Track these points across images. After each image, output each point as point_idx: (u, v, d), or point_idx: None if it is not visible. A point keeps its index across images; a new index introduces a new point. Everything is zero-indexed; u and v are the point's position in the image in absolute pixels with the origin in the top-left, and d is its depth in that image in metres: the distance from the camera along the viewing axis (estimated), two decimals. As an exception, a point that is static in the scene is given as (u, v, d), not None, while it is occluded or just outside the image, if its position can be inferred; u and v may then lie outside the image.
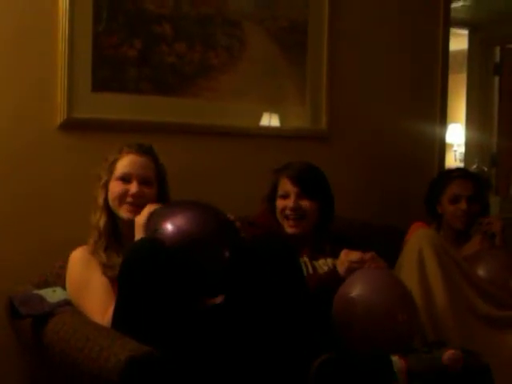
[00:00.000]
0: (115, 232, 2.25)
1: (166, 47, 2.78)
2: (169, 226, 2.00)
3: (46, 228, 2.52)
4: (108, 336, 1.87)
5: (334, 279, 2.31)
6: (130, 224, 2.16)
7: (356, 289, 2.17)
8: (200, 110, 2.88)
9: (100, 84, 2.64)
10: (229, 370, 1.92)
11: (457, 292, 2.44)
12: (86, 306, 2.13)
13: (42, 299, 2.15)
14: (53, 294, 2.19)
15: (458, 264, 2.53)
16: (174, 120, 2.81)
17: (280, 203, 2.60)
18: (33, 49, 2.51)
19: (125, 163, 2.27)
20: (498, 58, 5.18)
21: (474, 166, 4.96)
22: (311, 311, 2.07)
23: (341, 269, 2.34)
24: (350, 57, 3.31)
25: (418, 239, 2.55)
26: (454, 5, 4.03)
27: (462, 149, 6.38)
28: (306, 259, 2.52)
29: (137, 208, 2.18)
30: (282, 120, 3.13)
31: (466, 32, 5.21)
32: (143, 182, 2.26)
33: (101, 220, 2.24)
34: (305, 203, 2.56)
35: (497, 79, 5.17)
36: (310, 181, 2.60)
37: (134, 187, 2.23)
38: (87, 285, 2.16)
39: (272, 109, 3.10)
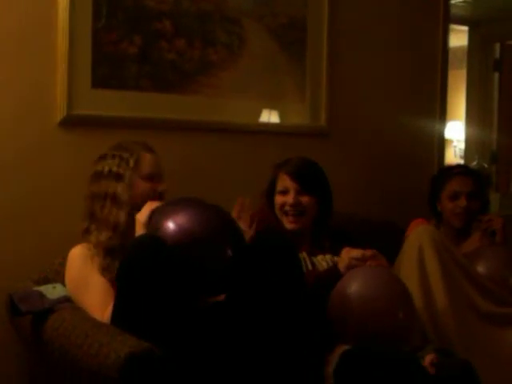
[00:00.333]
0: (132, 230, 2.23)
1: (166, 44, 2.78)
2: (170, 224, 1.99)
3: (46, 225, 2.52)
4: (107, 332, 1.87)
5: (334, 276, 2.31)
6: None
7: (353, 285, 2.17)
8: (200, 106, 2.88)
9: (100, 81, 2.64)
10: (229, 368, 1.91)
11: (457, 289, 2.44)
12: (85, 303, 2.13)
13: (41, 296, 2.15)
14: (53, 291, 2.18)
15: (458, 261, 2.52)
16: (173, 117, 2.81)
17: (279, 199, 2.60)
18: (33, 45, 2.50)
19: (151, 162, 2.29)
20: (497, 55, 5.17)
21: (474, 163, 4.96)
22: (310, 308, 2.07)
23: (341, 266, 2.35)
24: (349, 53, 3.31)
25: (418, 236, 2.55)
26: (453, 1, 4.03)
27: (462, 145, 6.37)
28: (305, 255, 2.52)
29: None
30: (281, 117, 3.13)
31: (466, 28, 5.20)
32: (161, 179, 2.31)
33: (121, 217, 2.22)
34: (304, 199, 2.57)
35: (497, 75, 5.16)
36: (309, 177, 2.60)
37: (162, 186, 2.28)
38: (87, 281, 2.16)
39: (271, 105, 3.10)
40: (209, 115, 2.90)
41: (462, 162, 6.06)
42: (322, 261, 2.55)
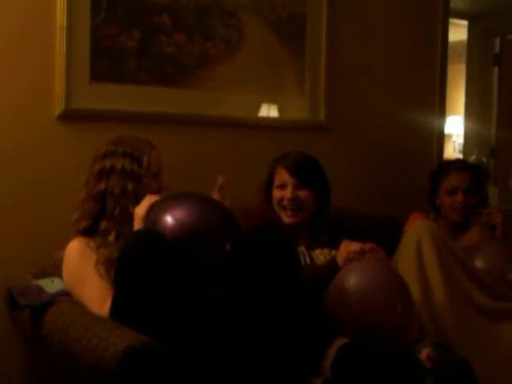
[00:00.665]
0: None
1: (165, 38, 2.77)
2: (169, 219, 1.99)
3: (45, 219, 2.52)
4: (106, 326, 1.87)
5: (333, 270, 2.31)
6: None
7: (351, 279, 2.18)
8: (199, 100, 2.88)
9: (98, 75, 2.64)
10: (227, 361, 1.92)
11: (454, 283, 2.44)
12: (83, 297, 2.13)
13: (40, 289, 2.15)
14: (51, 285, 2.18)
15: (456, 255, 2.53)
16: (172, 111, 2.81)
17: (277, 193, 2.60)
18: (31, 40, 2.50)
19: (156, 160, 2.29)
20: (497, 49, 5.16)
21: (473, 157, 4.95)
22: (308, 302, 2.07)
23: (340, 260, 2.35)
24: (348, 47, 3.31)
25: (417, 230, 2.55)
26: (453, -5, 4.01)
27: (462, 139, 6.37)
28: (303, 249, 2.53)
29: None
30: (280, 111, 3.13)
31: (465, 23, 5.19)
32: (161, 174, 2.32)
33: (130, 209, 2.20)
34: (302, 193, 2.57)
35: (496, 70, 5.15)
36: (307, 171, 2.60)
37: (164, 183, 2.30)
38: (85, 275, 2.15)
39: (271, 99, 3.10)
40: (208, 109, 2.90)
41: (461, 156, 6.05)
42: (320, 255, 2.55)
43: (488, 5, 4.93)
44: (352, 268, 2.24)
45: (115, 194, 2.20)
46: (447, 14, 3.71)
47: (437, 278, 2.41)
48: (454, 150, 7.39)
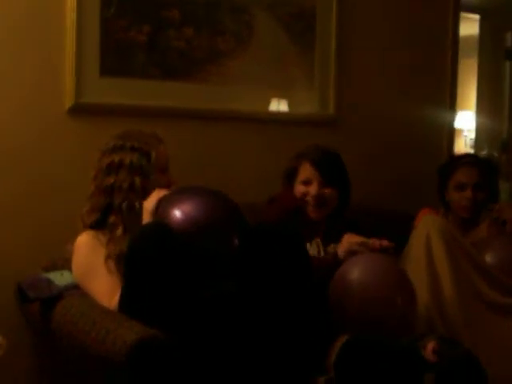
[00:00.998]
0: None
1: (175, 32, 2.78)
2: (177, 213, 1.99)
3: (55, 212, 2.54)
4: (114, 319, 1.88)
5: (334, 261, 2.32)
6: None
7: (353, 272, 2.18)
8: (208, 95, 2.89)
9: (108, 69, 2.65)
10: (234, 355, 1.92)
11: (464, 278, 2.44)
12: (93, 290, 2.14)
13: (49, 282, 2.16)
14: (61, 278, 2.20)
15: (465, 250, 2.52)
16: (182, 105, 2.82)
17: (301, 188, 2.60)
18: (41, 35, 2.52)
19: (163, 155, 2.28)
20: (509, 44, 5.13)
21: (484, 152, 4.93)
22: (315, 297, 2.07)
23: (340, 250, 2.35)
24: (358, 42, 3.30)
25: (426, 225, 2.55)
26: (465, -11, 3.99)
27: (473, 134, 6.35)
28: (319, 242, 2.53)
29: None
30: (290, 105, 3.13)
31: (477, 17, 5.17)
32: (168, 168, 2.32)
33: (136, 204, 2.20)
34: (327, 191, 2.58)
35: (508, 65, 5.12)
36: (333, 169, 2.62)
37: (172, 177, 2.30)
38: (94, 269, 2.15)
39: (280, 94, 3.10)
40: (218, 104, 2.91)
41: (472, 151, 6.03)
42: (333, 249, 2.55)
43: (499, -1, 4.92)
44: (355, 261, 2.24)
45: (123, 189, 2.20)
46: (458, 7, 3.69)
47: (446, 272, 2.40)
48: (466, 145, 7.35)
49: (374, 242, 2.32)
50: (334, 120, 3.24)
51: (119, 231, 2.19)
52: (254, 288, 2.00)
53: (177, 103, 2.80)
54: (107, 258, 2.15)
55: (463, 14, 4.01)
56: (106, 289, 2.10)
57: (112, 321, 1.88)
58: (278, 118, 3.10)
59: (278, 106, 3.11)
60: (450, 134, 3.75)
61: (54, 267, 2.31)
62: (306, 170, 2.61)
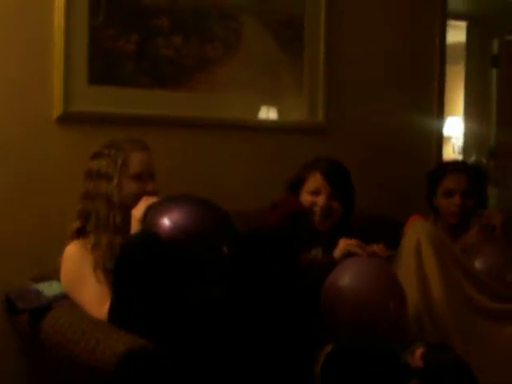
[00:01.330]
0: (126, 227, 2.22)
1: (163, 40, 2.78)
2: (166, 221, 1.99)
3: (43, 222, 2.52)
4: (104, 329, 1.88)
5: (329, 262, 2.31)
6: None
7: (344, 277, 2.18)
8: (197, 103, 2.89)
9: (97, 77, 2.64)
10: (224, 363, 1.92)
11: (453, 284, 2.44)
12: (81, 300, 2.13)
13: (38, 293, 2.15)
14: (49, 288, 2.19)
15: (455, 256, 2.53)
16: (171, 113, 2.81)
17: (308, 198, 2.59)
18: (29, 43, 2.50)
19: (137, 161, 2.26)
20: (496, 50, 5.17)
21: (473, 158, 4.95)
22: (307, 304, 2.07)
23: (336, 252, 2.36)
24: (347, 49, 3.31)
25: (416, 231, 2.55)
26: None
27: (461, 141, 6.37)
28: (319, 250, 2.52)
29: None
30: (279, 113, 3.13)
31: (464, 24, 5.20)
32: (151, 177, 2.29)
33: (116, 217, 2.21)
34: (334, 204, 2.58)
35: (495, 71, 5.16)
36: (343, 183, 2.62)
37: (150, 185, 2.25)
38: (82, 278, 2.15)
39: (269, 102, 3.10)
40: (207, 112, 2.90)
41: (460, 157, 6.05)
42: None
43: (486, 6, 4.94)
44: (346, 266, 2.24)
45: (90, 195, 2.23)
46: (445, 15, 3.72)
47: (436, 278, 2.41)
48: (454, 152, 7.38)
49: (372, 246, 2.32)
50: (324, 127, 3.24)
51: (104, 238, 2.19)
52: (244, 293, 1.99)
53: (166, 111, 2.80)
54: (95, 267, 2.15)
55: (450, 22, 4.04)
56: (94, 298, 2.10)
57: (101, 331, 1.88)
58: (267, 125, 3.10)
59: (267, 113, 3.11)
60: (439, 140, 3.77)
61: (43, 278, 2.30)
62: (315, 181, 2.60)
